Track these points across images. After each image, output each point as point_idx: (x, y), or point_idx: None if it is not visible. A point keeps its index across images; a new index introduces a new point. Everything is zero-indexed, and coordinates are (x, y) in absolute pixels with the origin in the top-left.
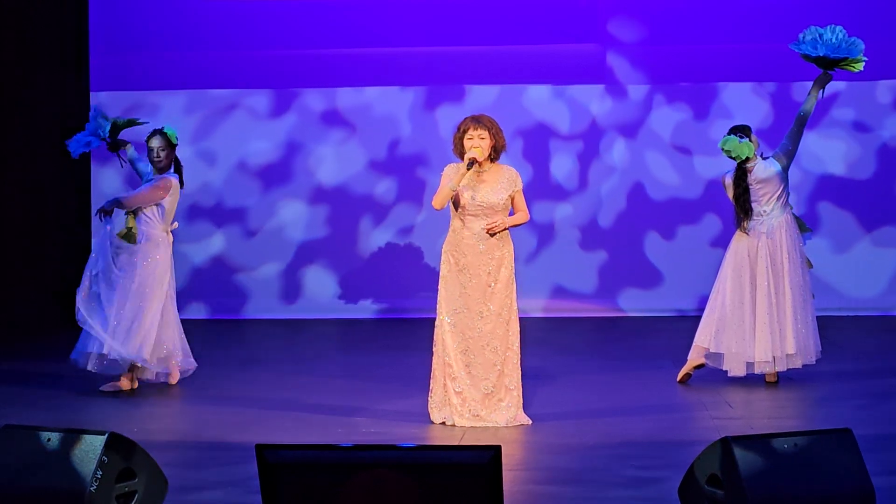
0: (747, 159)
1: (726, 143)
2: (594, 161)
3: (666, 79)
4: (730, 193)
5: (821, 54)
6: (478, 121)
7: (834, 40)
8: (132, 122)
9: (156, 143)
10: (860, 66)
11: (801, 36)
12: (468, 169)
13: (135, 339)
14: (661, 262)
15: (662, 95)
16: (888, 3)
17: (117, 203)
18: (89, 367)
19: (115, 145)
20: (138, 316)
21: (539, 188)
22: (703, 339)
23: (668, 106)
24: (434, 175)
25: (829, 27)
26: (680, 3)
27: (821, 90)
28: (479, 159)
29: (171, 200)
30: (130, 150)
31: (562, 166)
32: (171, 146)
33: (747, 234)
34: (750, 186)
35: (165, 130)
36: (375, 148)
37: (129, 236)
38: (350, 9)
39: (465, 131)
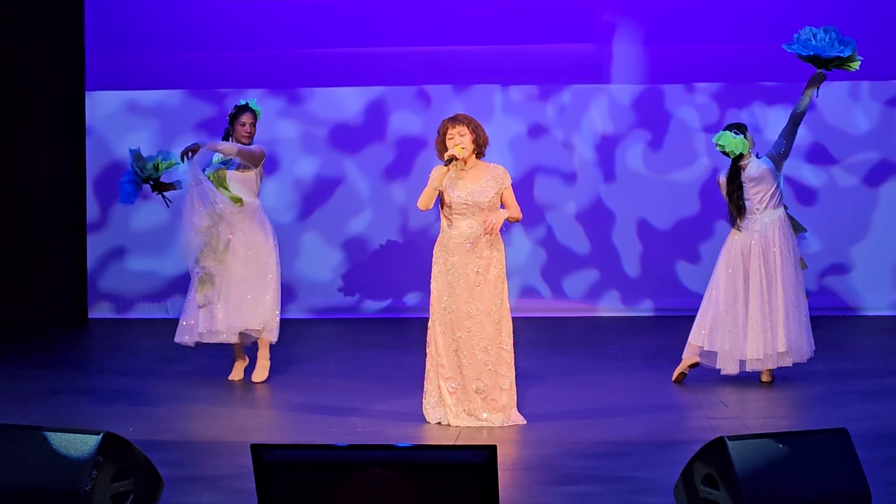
0: (741, 156)
1: (720, 138)
2: (593, 211)
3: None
4: (724, 191)
5: (812, 53)
6: (455, 119)
7: (827, 39)
8: (171, 164)
9: (248, 118)
10: (856, 66)
11: (795, 36)
12: (446, 165)
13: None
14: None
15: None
16: (888, 3)
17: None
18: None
19: (159, 186)
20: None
21: (555, 258)
22: (697, 338)
23: (637, 128)
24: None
25: (822, 27)
26: (674, 4)
27: (815, 90)
28: (459, 156)
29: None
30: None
31: (567, 234)
32: (255, 119)
33: (740, 231)
34: (743, 184)
35: (252, 106)
36: (376, 148)
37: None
38: (350, 8)
39: (444, 133)
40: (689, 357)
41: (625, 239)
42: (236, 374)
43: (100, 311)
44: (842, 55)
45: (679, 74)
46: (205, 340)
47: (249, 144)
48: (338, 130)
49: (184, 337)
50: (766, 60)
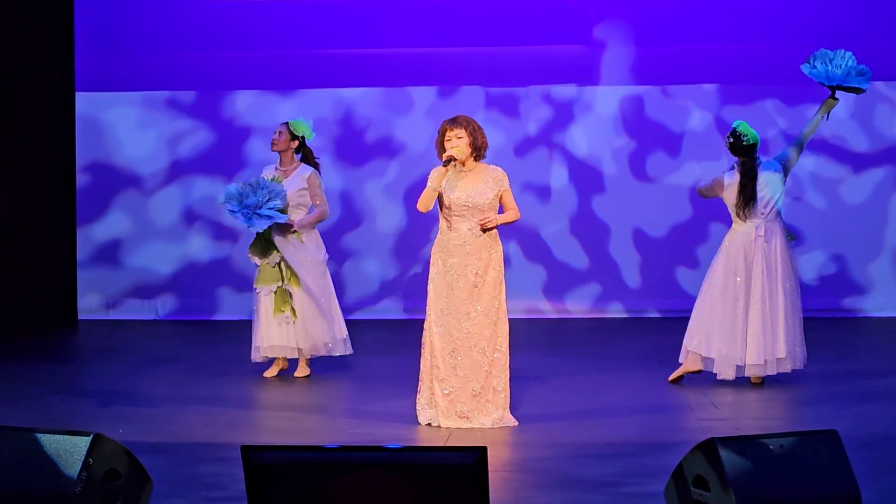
0: (754, 148)
1: (741, 125)
2: (587, 224)
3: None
4: (723, 193)
5: (835, 83)
6: (454, 121)
7: (844, 68)
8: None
9: (279, 128)
10: (864, 90)
11: (811, 59)
12: (445, 166)
13: None
14: None
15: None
16: (888, 3)
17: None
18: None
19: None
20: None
21: (556, 277)
22: (698, 345)
23: (625, 136)
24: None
25: (838, 52)
26: (664, 5)
27: (827, 113)
28: (458, 157)
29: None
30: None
31: (566, 251)
32: (290, 133)
33: (745, 221)
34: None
35: (290, 121)
36: (377, 148)
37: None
38: (347, 9)
39: (443, 134)
40: (691, 364)
41: (621, 250)
42: (272, 371)
43: (89, 311)
44: (861, 87)
45: (668, 76)
46: (279, 355)
47: (273, 149)
48: (333, 131)
49: (258, 356)
50: (760, 62)
